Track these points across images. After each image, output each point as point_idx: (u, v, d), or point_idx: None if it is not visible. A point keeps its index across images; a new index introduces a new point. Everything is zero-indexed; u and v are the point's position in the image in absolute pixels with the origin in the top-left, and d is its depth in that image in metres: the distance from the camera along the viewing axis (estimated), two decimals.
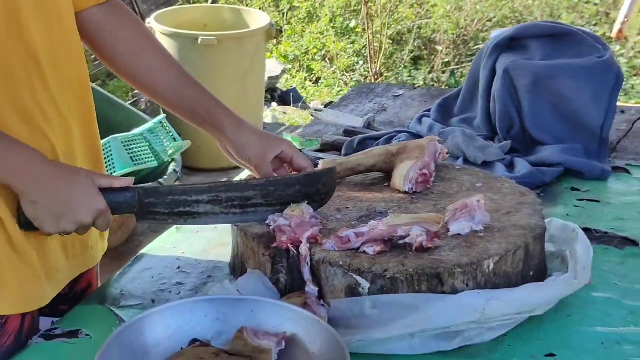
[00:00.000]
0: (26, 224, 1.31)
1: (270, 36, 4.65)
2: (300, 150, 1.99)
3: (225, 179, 1.44)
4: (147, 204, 1.39)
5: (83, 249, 1.52)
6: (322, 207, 1.51)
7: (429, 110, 2.29)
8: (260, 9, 7.13)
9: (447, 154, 1.80)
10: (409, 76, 6.82)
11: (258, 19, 4.78)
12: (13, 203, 1.33)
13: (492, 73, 2.11)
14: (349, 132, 2.17)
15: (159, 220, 1.44)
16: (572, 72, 2.00)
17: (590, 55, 2.05)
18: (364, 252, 1.37)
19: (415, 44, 7.12)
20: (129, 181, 1.39)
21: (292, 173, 1.57)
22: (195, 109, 1.52)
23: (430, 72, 6.91)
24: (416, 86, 2.77)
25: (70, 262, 1.47)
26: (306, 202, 1.49)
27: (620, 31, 5.32)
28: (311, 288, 1.35)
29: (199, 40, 4.35)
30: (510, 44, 2.13)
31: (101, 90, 3.94)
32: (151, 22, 4.60)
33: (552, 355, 1.31)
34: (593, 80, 2.01)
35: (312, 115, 2.35)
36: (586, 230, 1.68)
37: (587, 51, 2.07)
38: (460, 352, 1.32)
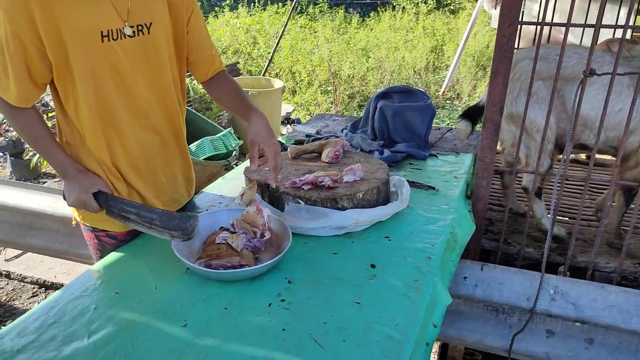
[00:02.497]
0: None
1: (283, 91, 4.59)
2: (282, 144, 1.95)
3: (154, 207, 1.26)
4: (108, 205, 1.18)
5: (171, 201, 1.38)
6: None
7: (347, 127, 2.25)
8: (285, 80, 7.08)
9: (350, 145, 1.79)
10: (357, 114, 6.78)
11: (278, 83, 4.73)
12: (146, 183, 1.27)
13: (375, 109, 2.07)
14: (308, 135, 2.14)
15: (114, 216, 1.18)
16: (412, 109, 1.98)
17: (421, 101, 2.03)
18: (303, 188, 1.38)
19: (360, 98, 7.08)
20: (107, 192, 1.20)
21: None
22: (240, 115, 1.32)
23: None
24: (344, 115, 2.73)
25: (165, 208, 1.36)
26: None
27: (444, 92, 5.30)
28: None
29: (249, 93, 4.31)
30: (384, 95, 2.09)
31: (202, 116, 3.89)
32: None
33: (387, 237, 1.32)
34: (421, 113, 1.98)
35: (292, 128, 2.34)
36: (412, 182, 1.69)
37: (420, 99, 2.04)
38: (345, 235, 1.33)
